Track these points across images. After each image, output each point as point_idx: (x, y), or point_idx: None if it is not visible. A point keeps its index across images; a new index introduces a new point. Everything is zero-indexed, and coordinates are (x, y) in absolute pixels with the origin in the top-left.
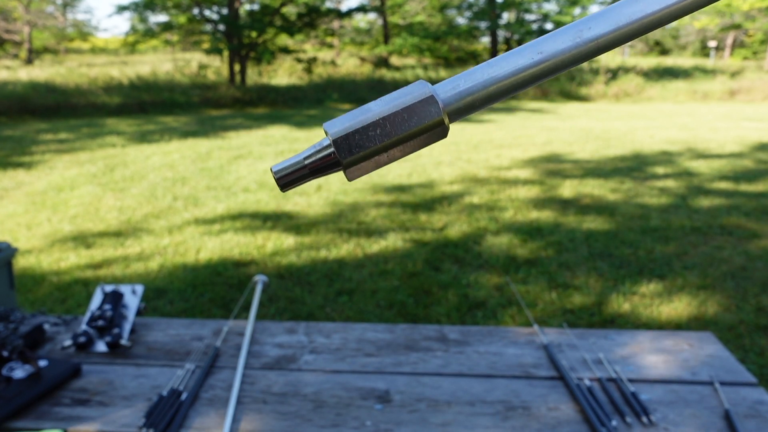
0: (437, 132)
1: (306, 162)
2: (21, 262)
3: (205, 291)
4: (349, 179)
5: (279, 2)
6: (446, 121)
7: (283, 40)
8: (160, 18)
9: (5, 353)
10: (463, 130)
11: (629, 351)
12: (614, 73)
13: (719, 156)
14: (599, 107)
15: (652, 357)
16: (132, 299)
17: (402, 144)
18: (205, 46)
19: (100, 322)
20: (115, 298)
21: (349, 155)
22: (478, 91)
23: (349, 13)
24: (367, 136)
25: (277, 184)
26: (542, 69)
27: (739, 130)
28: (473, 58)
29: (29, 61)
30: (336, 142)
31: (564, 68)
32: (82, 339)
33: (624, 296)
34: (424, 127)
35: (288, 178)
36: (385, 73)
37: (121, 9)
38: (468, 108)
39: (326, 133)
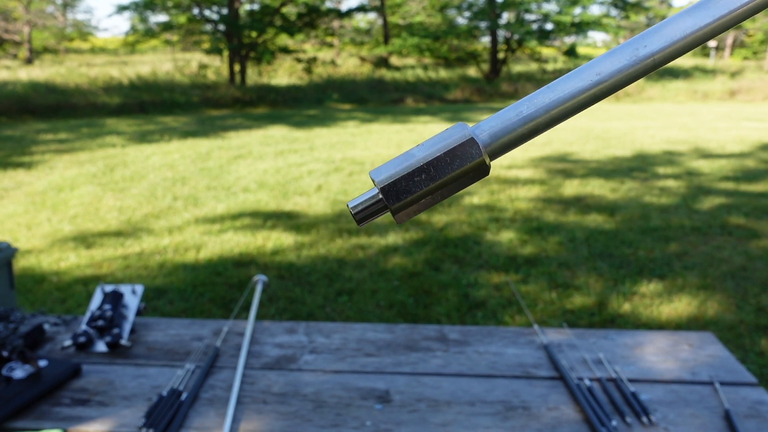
0: (479, 172)
1: (357, 209)
2: (21, 262)
3: (205, 291)
4: (398, 223)
5: (279, 2)
6: (487, 161)
7: (283, 40)
8: (160, 18)
9: (5, 353)
10: None
11: (629, 351)
12: None
13: (719, 156)
14: (599, 107)
15: (652, 357)
16: (132, 299)
17: (446, 186)
18: (205, 46)
19: (100, 322)
20: (115, 298)
21: (396, 201)
22: (515, 129)
23: (349, 13)
24: (413, 181)
25: (354, 218)
26: (600, 90)
27: (739, 130)
28: (473, 58)
29: (29, 61)
30: (384, 189)
31: (621, 87)
32: (82, 339)
33: (624, 296)
34: (467, 169)
35: (360, 215)
36: (385, 73)
37: (121, 9)
38: (509, 145)
39: (373, 181)
